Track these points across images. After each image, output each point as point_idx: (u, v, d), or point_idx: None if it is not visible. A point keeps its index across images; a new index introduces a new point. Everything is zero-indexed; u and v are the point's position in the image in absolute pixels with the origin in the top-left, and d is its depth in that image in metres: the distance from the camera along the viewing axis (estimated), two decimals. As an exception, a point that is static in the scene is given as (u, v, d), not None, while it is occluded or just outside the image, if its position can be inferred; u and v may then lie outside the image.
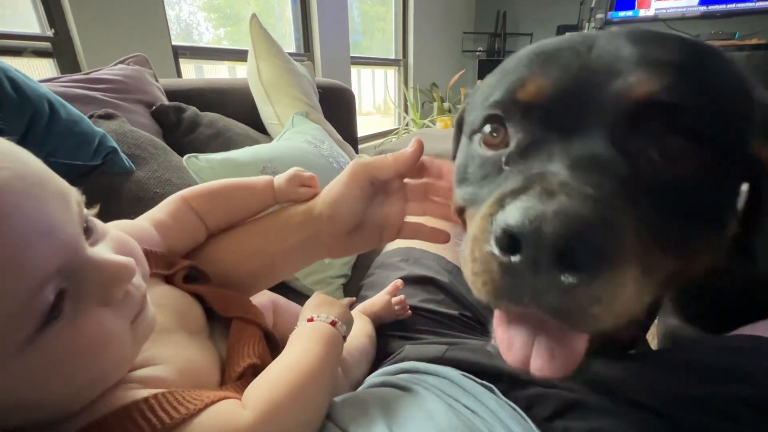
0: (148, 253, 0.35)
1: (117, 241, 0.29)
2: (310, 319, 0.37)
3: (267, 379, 0.30)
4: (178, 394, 0.27)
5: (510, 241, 0.21)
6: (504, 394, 0.36)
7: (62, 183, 0.25)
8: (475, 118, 0.32)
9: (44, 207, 0.22)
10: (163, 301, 0.34)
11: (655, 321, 0.54)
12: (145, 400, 0.26)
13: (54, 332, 0.22)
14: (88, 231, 0.26)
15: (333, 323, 0.36)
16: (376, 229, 0.46)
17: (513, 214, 0.21)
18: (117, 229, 0.34)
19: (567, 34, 0.31)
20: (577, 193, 0.21)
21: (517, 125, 0.28)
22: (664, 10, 3.36)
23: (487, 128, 0.30)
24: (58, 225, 0.23)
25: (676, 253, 0.25)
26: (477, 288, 0.24)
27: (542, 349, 0.25)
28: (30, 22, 1.47)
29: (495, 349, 0.38)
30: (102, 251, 0.26)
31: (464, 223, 0.35)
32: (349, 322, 0.39)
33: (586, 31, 3.60)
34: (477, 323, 0.55)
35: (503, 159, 0.29)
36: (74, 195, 0.26)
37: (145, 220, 0.40)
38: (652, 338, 0.76)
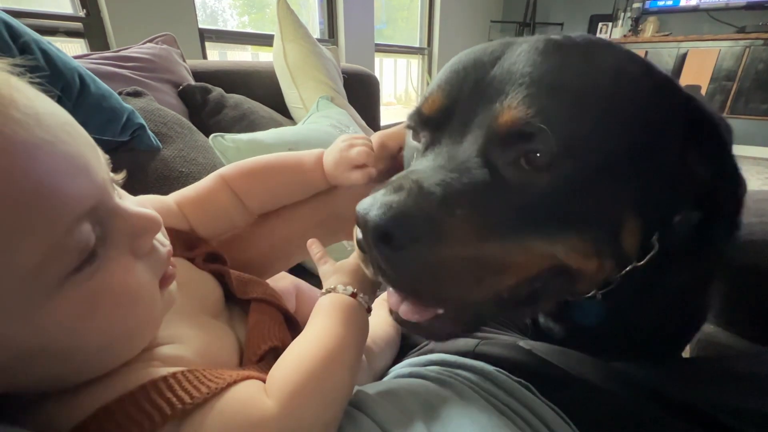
0: (169, 231, 0.34)
1: (138, 203, 0.28)
2: (331, 291, 0.34)
3: (289, 365, 0.29)
4: (198, 373, 0.26)
5: (357, 222, 0.27)
6: (542, 394, 0.33)
7: (90, 137, 0.25)
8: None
9: (76, 145, 0.23)
10: (185, 281, 0.33)
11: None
12: (164, 378, 0.25)
13: (88, 275, 0.23)
14: (113, 189, 0.26)
15: (353, 295, 0.34)
16: None
17: (362, 201, 0.26)
18: (140, 202, 0.33)
19: (501, 40, 0.34)
20: (417, 189, 0.26)
21: (423, 131, 0.34)
22: (707, 0, 3.18)
23: (412, 126, 0.36)
24: (91, 164, 0.23)
25: (528, 249, 0.28)
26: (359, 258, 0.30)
27: (408, 302, 0.31)
28: (63, 3, 1.49)
29: (529, 344, 0.41)
30: (127, 203, 0.26)
31: None
32: (371, 291, 0.36)
33: (611, 30, 3.45)
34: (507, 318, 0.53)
35: (414, 154, 0.34)
36: (101, 151, 0.26)
37: (171, 197, 0.39)
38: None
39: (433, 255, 0.25)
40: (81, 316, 0.23)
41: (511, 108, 0.27)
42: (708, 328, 0.67)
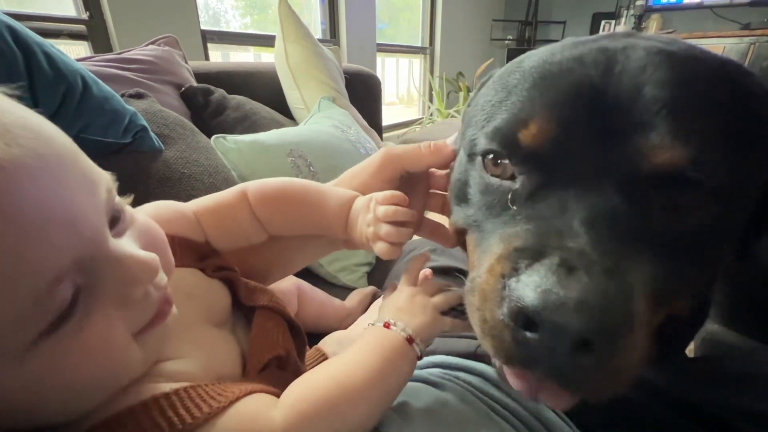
0: (182, 241, 0.34)
1: (143, 232, 0.27)
2: (386, 325, 0.32)
3: (310, 383, 0.28)
4: (201, 389, 0.25)
5: (526, 318, 0.21)
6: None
7: (92, 167, 0.23)
8: (475, 139, 0.29)
9: (64, 192, 0.20)
10: (194, 290, 0.32)
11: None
12: (166, 395, 0.24)
13: (60, 336, 0.20)
14: (114, 220, 0.24)
15: (410, 339, 0.31)
16: None
17: (530, 295, 0.20)
18: (155, 210, 0.32)
19: (582, 44, 0.27)
20: (597, 270, 0.21)
21: (522, 166, 0.27)
22: (711, -3, 3.15)
23: (490, 156, 0.28)
24: (79, 214, 0.21)
25: (677, 299, 0.25)
26: (487, 347, 0.24)
27: (549, 387, 0.25)
28: (66, 5, 1.50)
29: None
30: (125, 245, 0.24)
31: (463, 245, 0.34)
32: (431, 336, 0.33)
33: (614, 28, 3.42)
34: None
35: (509, 196, 0.27)
36: (105, 181, 0.24)
37: (190, 206, 0.38)
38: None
39: (625, 352, 0.21)
40: (41, 379, 0.20)
41: (665, 148, 0.22)
42: (713, 328, 0.66)
